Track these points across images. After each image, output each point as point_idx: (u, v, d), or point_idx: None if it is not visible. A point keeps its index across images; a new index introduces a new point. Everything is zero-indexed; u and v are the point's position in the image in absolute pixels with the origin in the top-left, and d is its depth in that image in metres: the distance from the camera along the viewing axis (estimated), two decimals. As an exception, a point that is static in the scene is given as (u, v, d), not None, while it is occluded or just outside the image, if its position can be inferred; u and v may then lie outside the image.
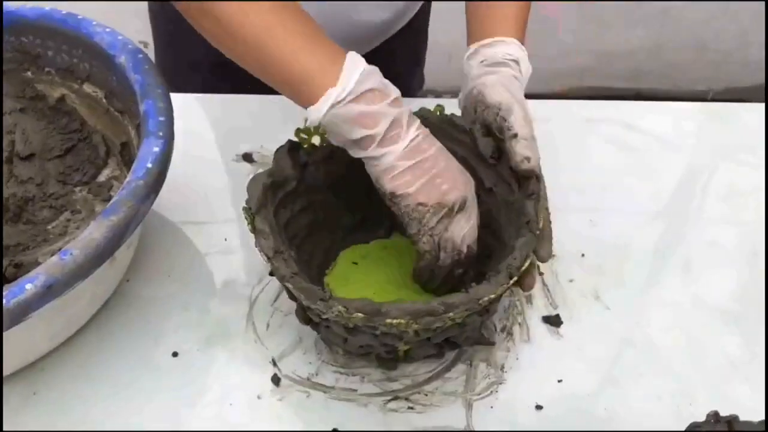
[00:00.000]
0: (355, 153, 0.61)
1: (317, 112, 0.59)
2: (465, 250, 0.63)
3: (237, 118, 0.88)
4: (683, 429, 0.62)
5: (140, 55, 0.72)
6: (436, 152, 0.61)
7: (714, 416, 0.50)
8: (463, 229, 0.62)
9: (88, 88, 0.79)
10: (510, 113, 0.63)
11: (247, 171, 0.82)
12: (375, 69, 0.61)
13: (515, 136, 0.63)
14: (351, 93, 0.58)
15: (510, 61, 0.68)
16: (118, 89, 0.75)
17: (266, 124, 0.84)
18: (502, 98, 0.64)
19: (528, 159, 0.62)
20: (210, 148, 0.85)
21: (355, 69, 0.59)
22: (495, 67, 0.68)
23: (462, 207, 0.62)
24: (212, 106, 0.89)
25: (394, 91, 0.61)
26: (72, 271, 0.54)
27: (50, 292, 0.53)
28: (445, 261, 0.63)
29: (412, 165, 0.60)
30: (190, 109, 0.88)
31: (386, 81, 0.61)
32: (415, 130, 0.61)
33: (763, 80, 1.88)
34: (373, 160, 0.61)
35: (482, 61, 0.68)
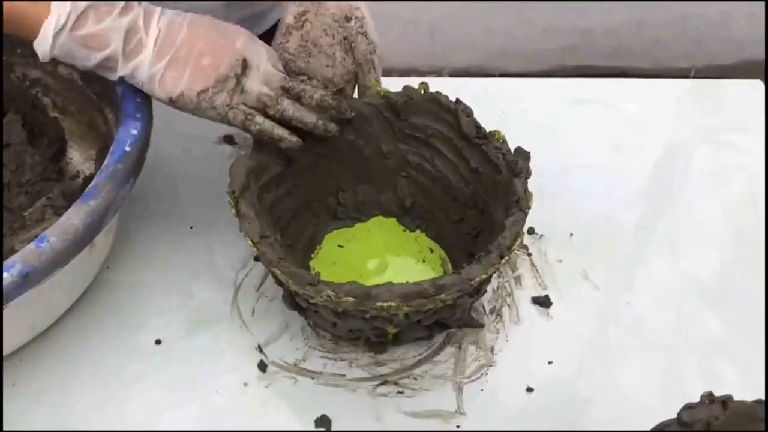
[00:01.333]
0: (110, 77, 0.60)
1: (44, 46, 0.57)
2: (297, 87, 0.62)
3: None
4: (674, 408, 0.62)
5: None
6: (187, 35, 0.59)
7: (708, 396, 0.49)
8: (267, 83, 0.61)
9: (63, 69, 0.76)
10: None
11: (229, 153, 0.80)
12: None
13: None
14: (69, 19, 0.57)
15: None
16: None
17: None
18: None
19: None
20: (191, 130, 0.82)
21: None
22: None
23: (245, 68, 0.60)
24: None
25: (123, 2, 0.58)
26: (49, 259, 0.52)
27: (27, 281, 0.52)
28: (286, 110, 0.62)
29: (169, 62, 0.58)
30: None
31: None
32: (156, 26, 0.59)
33: (745, 57, 1.88)
34: (131, 79, 0.59)
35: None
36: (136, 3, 0.59)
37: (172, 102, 0.59)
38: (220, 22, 0.62)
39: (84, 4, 0.57)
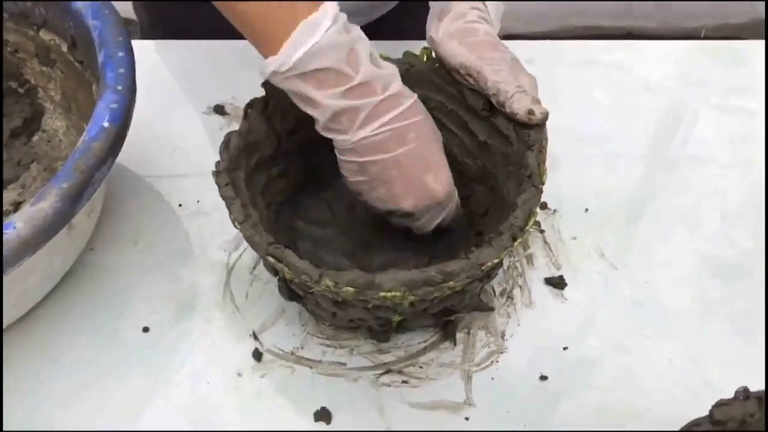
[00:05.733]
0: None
1: (262, 72, 0.53)
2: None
3: (207, 66, 0.80)
4: (698, 396, 0.58)
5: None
6: (394, 157, 0.54)
7: (743, 392, 0.45)
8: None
9: (45, 35, 0.71)
10: (478, 76, 0.56)
11: (219, 124, 0.75)
12: (340, 42, 0.51)
13: (498, 96, 0.56)
14: (293, 69, 0.51)
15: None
16: (77, 37, 0.67)
17: (239, 72, 0.77)
18: (462, 59, 0.57)
19: (532, 111, 0.55)
20: (178, 100, 0.77)
21: (309, 38, 0.50)
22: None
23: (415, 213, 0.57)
24: (180, 53, 0.82)
25: (362, 76, 0.52)
26: (16, 247, 0.47)
27: (-12, 271, 0.47)
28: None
29: (358, 162, 0.55)
30: (156, 58, 0.81)
31: (358, 61, 0.52)
32: (382, 124, 0.53)
33: (758, 16, 1.82)
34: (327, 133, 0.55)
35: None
36: (376, 91, 0.53)
37: (357, 189, 0.57)
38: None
39: (316, 63, 0.50)
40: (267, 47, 0.52)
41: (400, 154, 0.54)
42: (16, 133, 0.73)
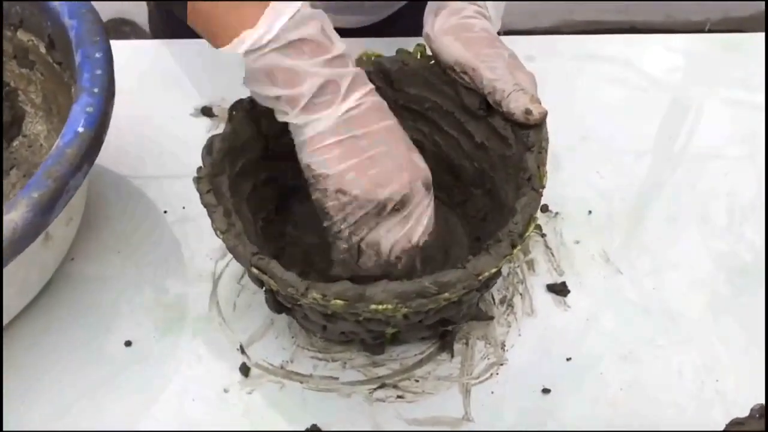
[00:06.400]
0: (277, 115, 0.50)
1: (229, 52, 0.48)
2: (392, 260, 0.52)
3: (194, 67, 0.77)
4: (709, 409, 0.55)
5: (76, -3, 0.62)
6: (380, 131, 0.50)
7: (759, 410, 0.42)
8: (394, 236, 0.51)
9: (22, 35, 0.68)
10: (473, 73, 0.53)
11: (207, 127, 0.72)
12: (319, 13, 0.49)
13: (494, 95, 0.53)
14: (274, 40, 0.47)
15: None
16: (55, 37, 0.64)
17: (228, 74, 0.74)
18: (457, 56, 0.54)
19: (529, 111, 0.52)
20: (162, 102, 0.74)
21: (286, 8, 0.47)
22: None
23: (399, 207, 0.51)
24: (165, 53, 0.79)
25: (338, 49, 0.49)
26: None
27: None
28: (365, 265, 0.52)
29: (343, 140, 0.49)
30: (141, 58, 0.78)
31: (334, 36, 0.50)
32: (360, 98, 0.49)
33: (764, 8, 1.79)
34: (296, 128, 0.50)
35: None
36: (351, 64, 0.50)
37: (310, 173, 0.50)
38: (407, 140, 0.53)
39: (299, 33, 0.47)
40: (223, 32, 0.48)
41: (384, 127, 0.50)
42: (-4, 137, 0.71)
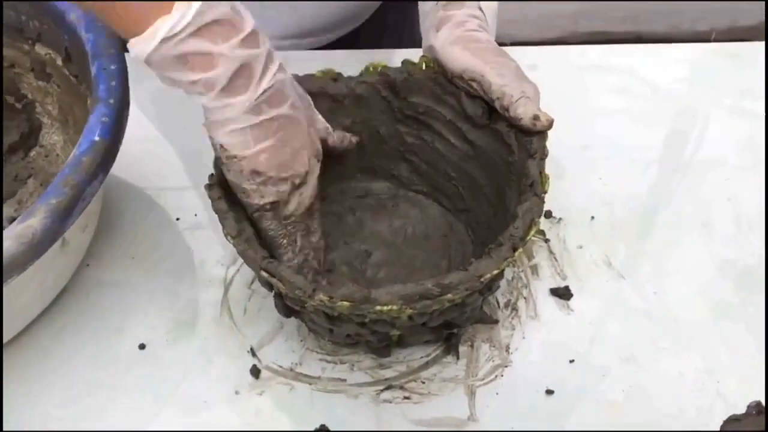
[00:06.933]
0: (191, 96, 0.50)
1: (144, 47, 0.46)
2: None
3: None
4: (710, 411, 0.56)
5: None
6: (288, 110, 0.51)
7: (756, 407, 0.43)
8: (299, 205, 0.54)
9: (40, 49, 0.70)
10: (482, 79, 0.55)
11: (218, 136, 0.74)
12: None
13: (503, 100, 0.54)
14: (190, 24, 0.46)
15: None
16: (72, 50, 0.66)
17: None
18: (466, 64, 0.55)
19: (537, 117, 0.54)
20: (176, 112, 0.76)
21: None
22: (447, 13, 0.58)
23: (303, 182, 0.53)
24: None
25: (249, 25, 0.48)
26: (4, 265, 0.46)
27: (-26, 290, 0.46)
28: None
29: (257, 123, 0.49)
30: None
31: (243, 12, 0.49)
32: (271, 79, 0.49)
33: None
34: (210, 110, 0.49)
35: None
36: (262, 41, 0.49)
37: (225, 156, 0.51)
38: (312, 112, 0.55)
39: (212, 14, 0.46)
40: (134, 20, 0.47)
41: (290, 105, 0.51)
42: (14, 148, 0.73)
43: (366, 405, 0.57)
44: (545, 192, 0.54)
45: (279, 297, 0.54)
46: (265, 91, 0.49)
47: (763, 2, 1.76)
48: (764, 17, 1.82)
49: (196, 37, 0.47)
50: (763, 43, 0.83)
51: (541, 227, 0.66)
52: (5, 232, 0.47)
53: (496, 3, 0.60)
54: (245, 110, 0.49)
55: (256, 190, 0.52)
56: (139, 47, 0.47)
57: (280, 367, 0.59)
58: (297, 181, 0.52)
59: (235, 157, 0.50)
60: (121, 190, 0.70)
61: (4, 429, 0.56)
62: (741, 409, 0.45)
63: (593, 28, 1.86)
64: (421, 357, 0.59)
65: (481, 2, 0.59)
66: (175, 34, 0.46)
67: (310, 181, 0.54)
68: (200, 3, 0.46)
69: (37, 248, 0.48)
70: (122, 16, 0.47)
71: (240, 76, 0.48)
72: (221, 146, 0.51)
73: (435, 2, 0.60)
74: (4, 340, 0.57)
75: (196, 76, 0.47)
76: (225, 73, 0.47)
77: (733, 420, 0.44)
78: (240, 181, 0.52)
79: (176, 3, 0.46)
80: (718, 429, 0.44)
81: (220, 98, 0.48)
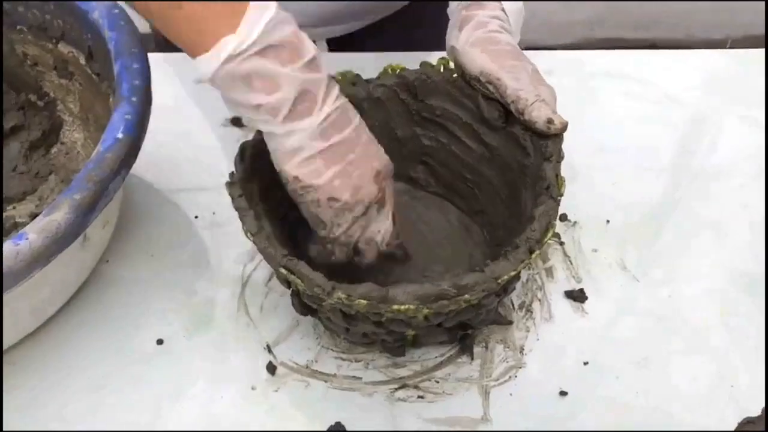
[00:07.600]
0: (257, 125, 0.50)
1: (209, 65, 0.47)
2: (386, 248, 0.54)
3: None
4: (724, 413, 0.56)
5: (116, 11, 0.64)
6: (352, 133, 0.51)
7: (770, 410, 0.44)
8: (383, 227, 0.54)
9: (63, 47, 0.71)
10: (498, 83, 0.55)
11: (237, 136, 0.75)
12: (288, 17, 0.49)
13: (518, 104, 0.55)
14: (255, 44, 0.46)
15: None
16: (95, 49, 0.67)
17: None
18: (483, 66, 0.56)
19: (551, 120, 0.54)
20: (195, 112, 0.77)
21: (265, 12, 0.47)
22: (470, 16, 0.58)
23: (382, 202, 0.53)
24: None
25: (311, 50, 0.49)
26: (27, 259, 0.47)
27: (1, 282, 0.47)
28: (365, 261, 0.55)
29: (326, 148, 0.50)
30: (175, 70, 0.81)
31: (303, 35, 0.49)
32: (333, 103, 0.50)
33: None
34: (276, 138, 0.50)
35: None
36: (323, 66, 0.50)
37: (298, 186, 0.51)
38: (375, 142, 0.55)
39: (276, 36, 0.47)
40: (200, 39, 0.48)
41: (354, 129, 0.51)
42: (36, 145, 0.73)
43: (380, 403, 0.57)
44: (561, 195, 0.55)
45: (296, 295, 0.55)
46: (329, 115, 0.50)
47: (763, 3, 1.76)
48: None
49: (260, 57, 0.47)
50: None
51: (557, 230, 0.67)
52: (29, 226, 0.48)
53: (521, 3, 0.60)
54: (312, 136, 0.49)
55: (335, 217, 0.52)
56: (204, 65, 0.48)
57: (296, 364, 0.60)
58: (373, 204, 0.52)
59: (310, 186, 0.51)
60: (141, 188, 0.71)
61: (19, 424, 0.57)
62: (753, 413, 0.45)
63: (608, 34, 1.86)
64: (436, 357, 0.60)
65: (504, 3, 0.59)
66: (240, 53, 0.47)
67: (387, 201, 0.54)
68: (267, 22, 0.47)
69: (60, 242, 0.49)
70: (188, 34, 0.48)
71: (303, 100, 0.49)
72: (294, 177, 0.51)
73: (458, 1, 0.60)
74: (24, 334, 0.58)
75: (259, 100, 0.48)
76: (288, 96, 0.48)
77: (748, 422, 0.44)
78: (317, 212, 0.52)
79: (242, 21, 0.46)
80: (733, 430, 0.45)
81: (285, 123, 0.49)
